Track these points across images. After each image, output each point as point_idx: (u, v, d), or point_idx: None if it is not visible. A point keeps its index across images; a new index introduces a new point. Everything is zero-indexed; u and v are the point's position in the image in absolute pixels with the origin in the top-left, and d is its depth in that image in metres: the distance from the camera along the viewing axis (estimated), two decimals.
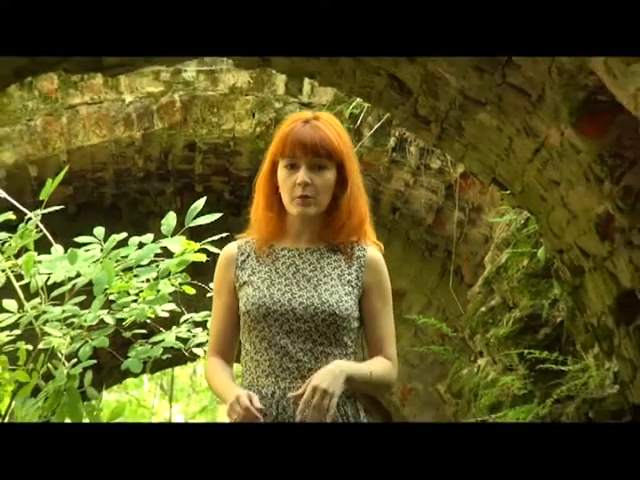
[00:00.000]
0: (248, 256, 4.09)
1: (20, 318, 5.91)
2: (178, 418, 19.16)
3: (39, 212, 5.89)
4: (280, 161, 3.98)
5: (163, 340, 5.87)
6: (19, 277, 5.95)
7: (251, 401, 3.79)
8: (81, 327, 5.93)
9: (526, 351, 5.96)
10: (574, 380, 5.68)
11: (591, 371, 5.57)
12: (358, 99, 6.43)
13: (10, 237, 5.91)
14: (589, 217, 4.47)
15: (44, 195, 5.86)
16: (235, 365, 4.18)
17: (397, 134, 7.32)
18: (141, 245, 5.80)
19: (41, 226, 5.93)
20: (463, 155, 5.35)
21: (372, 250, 4.10)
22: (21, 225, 5.90)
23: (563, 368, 5.76)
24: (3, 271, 5.93)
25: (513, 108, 4.38)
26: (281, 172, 3.98)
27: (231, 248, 4.16)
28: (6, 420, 5.96)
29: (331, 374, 3.79)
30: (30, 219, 5.91)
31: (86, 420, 6.54)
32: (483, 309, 6.65)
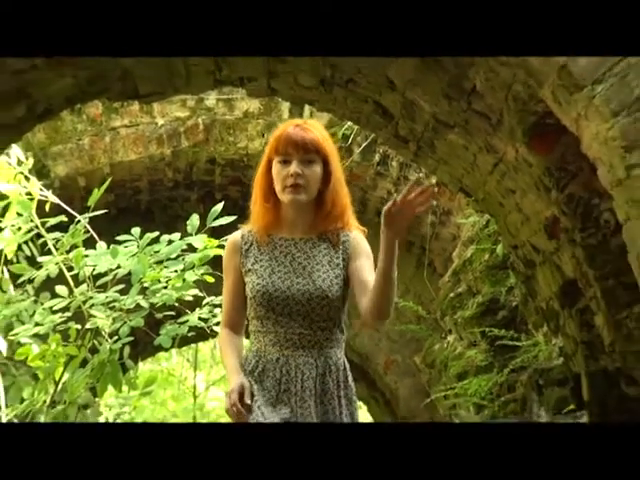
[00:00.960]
0: (251, 245, 4.00)
1: (70, 302, 5.91)
2: (201, 385, 19.12)
3: (87, 215, 5.92)
4: (275, 158, 3.90)
5: (188, 320, 5.88)
6: (70, 269, 5.97)
7: (242, 395, 3.78)
8: (121, 310, 5.95)
9: (487, 329, 5.96)
10: (527, 353, 5.68)
11: (540, 346, 5.57)
12: (349, 122, 6.43)
13: (62, 236, 5.93)
14: (539, 219, 4.48)
15: (91, 201, 5.89)
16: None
17: (381, 151, 7.31)
18: (170, 242, 5.82)
19: (88, 227, 5.95)
20: (435, 168, 5.31)
21: (355, 234, 4.01)
22: (72, 226, 5.92)
23: (517, 344, 5.76)
24: (57, 264, 5.95)
25: (476, 130, 4.37)
26: (275, 167, 3.90)
27: (236, 236, 4.08)
28: (59, 387, 5.98)
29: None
30: (79, 221, 5.94)
31: (125, 387, 6.57)
32: (452, 295, 6.63)
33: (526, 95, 3.82)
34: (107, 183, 6.11)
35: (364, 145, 7.27)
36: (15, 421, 5.87)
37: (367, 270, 3.93)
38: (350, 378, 3.97)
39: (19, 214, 5.88)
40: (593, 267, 4.19)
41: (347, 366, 3.99)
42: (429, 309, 7.13)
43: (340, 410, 3.89)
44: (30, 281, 6.04)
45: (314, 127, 4.02)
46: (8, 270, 6.08)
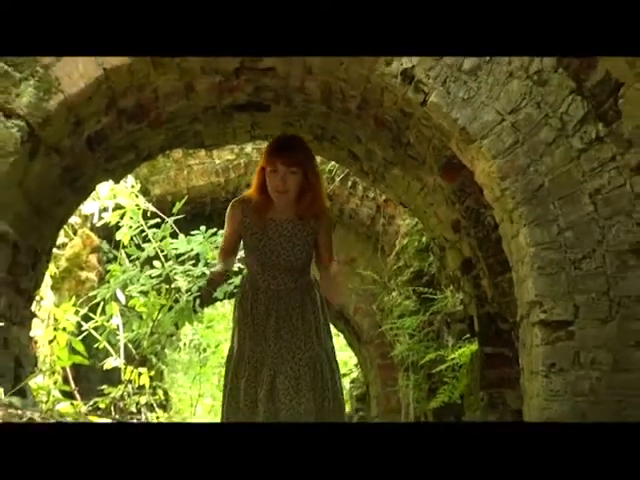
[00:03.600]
0: (250, 220, 3.68)
1: (162, 272, 5.94)
2: None
3: (172, 218, 5.93)
4: (267, 167, 3.60)
5: (233, 282, 5.88)
6: (161, 251, 5.99)
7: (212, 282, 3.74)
8: (193, 276, 5.96)
9: (416, 288, 5.93)
10: (440, 303, 5.62)
11: (449, 298, 5.51)
12: (332, 162, 6.44)
13: (157, 231, 5.95)
14: (448, 221, 4.45)
15: (175, 210, 5.89)
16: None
17: (352, 180, 7.31)
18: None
19: (173, 226, 5.94)
20: (385, 190, 5.25)
21: (323, 219, 3.73)
22: (163, 225, 5.93)
23: (434, 297, 5.70)
24: (154, 248, 5.96)
25: (410, 167, 4.31)
26: (268, 174, 3.59)
27: (239, 203, 3.77)
28: (155, 323, 5.99)
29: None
30: (167, 222, 5.96)
31: (195, 323, 6.59)
32: (395, 267, 6.58)
33: (440, 145, 3.76)
34: (184, 199, 6.14)
35: (342, 176, 7.27)
36: (129, 345, 5.88)
37: (323, 246, 3.73)
38: (316, 290, 3.76)
39: (131, 218, 5.90)
40: (481, 250, 4.20)
41: (314, 283, 3.78)
42: (381, 276, 7.13)
43: (311, 306, 3.71)
44: (137, 258, 6.05)
45: (298, 143, 3.74)
46: (125, 252, 6.10)
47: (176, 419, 8.89)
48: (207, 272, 6.01)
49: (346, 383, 9.35)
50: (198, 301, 6.07)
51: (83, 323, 5.53)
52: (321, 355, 3.64)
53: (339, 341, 9.14)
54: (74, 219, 6.13)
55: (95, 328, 5.63)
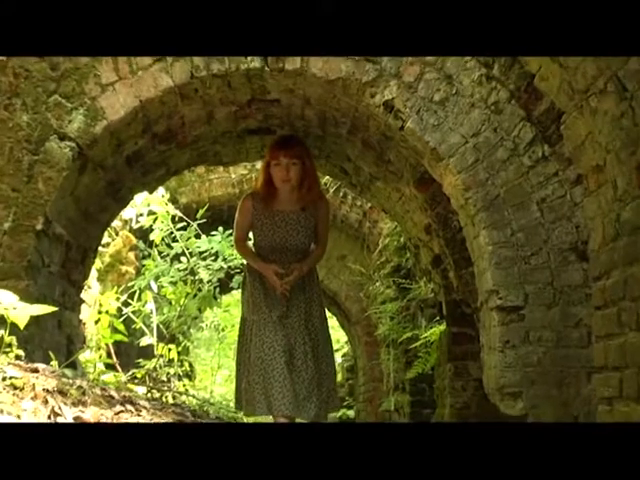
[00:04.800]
0: (259, 210, 3.57)
1: (188, 266, 5.94)
2: None
3: (196, 222, 5.91)
4: (272, 161, 3.49)
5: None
6: (187, 249, 5.99)
7: (278, 274, 3.46)
8: (213, 269, 5.95)
9: (395, 279, 5.89)
10: (415, 291, 5.58)
11: (422, 288, 5.46)
12: (327, 176, 6.42)
13: (184, 233, 5.95)
14: (421, 224, 4.43)
15: (198, 216, 5.89)
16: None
17: (343, 191, 7.29)
18: None
19: (197, 228, 5.95)
20: (370, 199, 5.20)
21: (320, 205, 3.63)
22: (188, 228, 5.93)
23: (410, 287, 5.65)
24: (181, 247, 5.95)
25: (390, 180, 4.27)
26: (273, 167, 3.49)
27: (249, 196, 3.68)
28: (182, 308, 5.98)
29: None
30: (191, 225, 5.96)
31: (215, 308, 6.57)
32: (378, 262, 6.54)
33: (415, 163, 3.74)
34: (206, 207, 6.11)
35: (335, 187, 7.23)
36: (160, 326, 5.88)
37: (321, 231, 3.63)
38: (315, 268, 3.68)
39: (162, 222, 5.88)
40: (448, 248, 4.18)
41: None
42: (367, 269, 7.10)
43: (311, 281, 3.60)
44: (167, 255, 6.04)
45: (297, 140, 3.66)
46: (157, 249, 6.09)
47: (199, 386, 8.87)
48: (224, 266, 6.03)
49: (338, 357, 9.34)
50: (217, 290, 6.07)
51: (123, 308, 5.52)
52: (317, 322, 3.57)
53: (332, 322, 9.13)
54: (116, 223, 6.10)
55: (133, 312, 5.62)
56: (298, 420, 3.38)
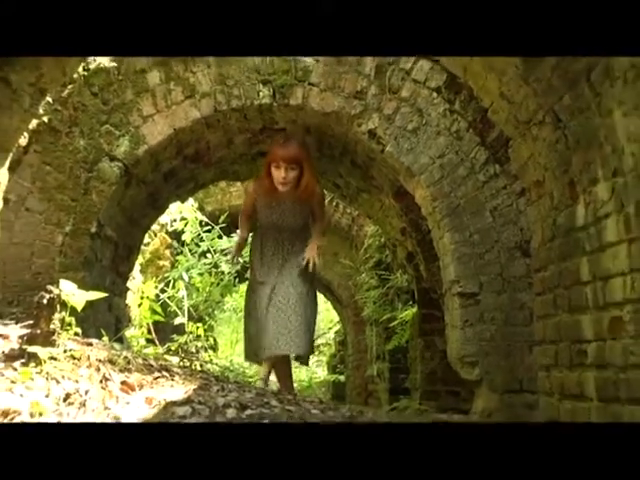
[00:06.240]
0: (261, 197, 3.40)
1: (212, 261, 5.92)
2: None
3: (218, 226, 5.91)
4: (272, 164, 3.29)
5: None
6: (212, 247, 5.97)
7: (239, 247, 3.43)
8: (232, 263, 5.94)
9: (377, 272, 5.86)
10: (393, 281, 5.49)
11: (399, 278, 5.41)
12: (323, 189, 6.38)
13: (209, 234, 5.93)
14: (398, 228, 4.35)
15: (221, 220, 5.88)
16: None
17: (336, 201, 7.25)
18: None
19: (219, 231, 5.94)
20: (357, 208, 5.18)
21: (315, 198, 3.45)
22: (213, 230, 5.92)
23: (389, 277, 5.63)
24: (206, 245, 5.94)
25: (374, 192, 4.25)
26: (273, 169, 3.29)
27: (253, 184, 3.48)
28: (208, 294, 5.97)
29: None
30: (215, 228, 5.94)
31: (234, 294, 6.55)
32: (363, 258, 6.48)
33: (393, 179, 3.73)
34: (227, 213, 6.10)
35: (329, 198, 7.16)
36: (190, 309, 5.86)
37: (318, 211, 3.51)
38: (306, 242, 3.46)
39: (192, 225, 5.87)
40: (419, 247, 4.17)
41: (309, 238, 3.47)
42: (355, 263, 7.09)
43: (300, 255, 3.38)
44: (196, 252, 6.03)
45: (296, 145, 3.33)
46: (187, 248, 6.07)
47: (221, 357, 8.85)
48: (241, 261, 6.01)
49: (331, 333, 9.32)
50: (237, 279, 6.05)
51: (160, 294, 5.51)
52: (306, 287, 3.41)
53: (327, 305, 9.09)
54: (154, 226, 6.10)
55: (168, 297, 5.61)
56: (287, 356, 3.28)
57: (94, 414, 2.11)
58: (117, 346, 3.04)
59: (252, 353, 3.39)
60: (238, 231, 3.49)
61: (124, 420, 2.00)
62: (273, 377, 3.51)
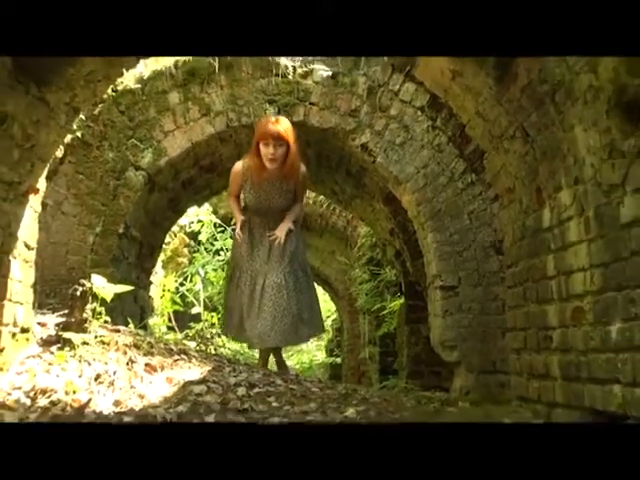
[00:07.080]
0: (247, 178, 3.08)
1: (225, 258, 5.90)
2: None
3: (230, 227, 5.89)
4: (260, 141, 2.96)
5: None
6: (225, 246, 5.96)
7: (242, 227, 3.05)
8: None
9: (369, 268, 5.82)
10: (382, 276, 5.40)
11: (388, 273, 5.42)
12: (322, 196, 6.36)
13: (222, 234, 5.92)
14: (387, 229, 4.34)
15: (232, 222, 5.86)
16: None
17: (333, 206, 7.20)
18: None
19: (231, 232, 5.91)
20: (351, 211, 5.15)
21: (300, 177, 3.13)
22: (225, 231, 5.90)
23: (380, 272, 5.60)
24: (220, 245, 5.93)
25: (366, 198, 4.21)
26: (261, 147, 2.96)
27: (240, 165, 3.10)
28: (218, 286, 5.96)
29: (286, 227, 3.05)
30: (227, 230, 5.92)
31: None
32: (357, 255, 6.44)
33: (382, 186, 3.71)
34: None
35: (327, 203, 7.14)
36: (206, 300, 5.83)
37: (299, 193, 3.18)
38: (299, 232, 3.20)
39: (207, 227, 5.86)
40: (406, 246, 4.15)
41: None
42: (349, 261, 7.08)
43: (292, 235, 3.08)
44: (210, 250, 6.02)
45: (283, 122, 3.00)
46: (203, 247, 6.07)
47: (233, 342, 8.83)
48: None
49: (329, 321, 9.30)
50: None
51: (179, 287, 5.51)
52: (297, 268, 3.11)
53: (326, 297, 9.07)
54: (174, 228, 6.09)
55: (186, 290, 5.60)
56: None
57: (121, 392, 2.13)
58: (142, 332, 3.04)
59: (233, 327, 3.11)
60: (236, 214, 3.17)
61: (148, 397, 2.02)
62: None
